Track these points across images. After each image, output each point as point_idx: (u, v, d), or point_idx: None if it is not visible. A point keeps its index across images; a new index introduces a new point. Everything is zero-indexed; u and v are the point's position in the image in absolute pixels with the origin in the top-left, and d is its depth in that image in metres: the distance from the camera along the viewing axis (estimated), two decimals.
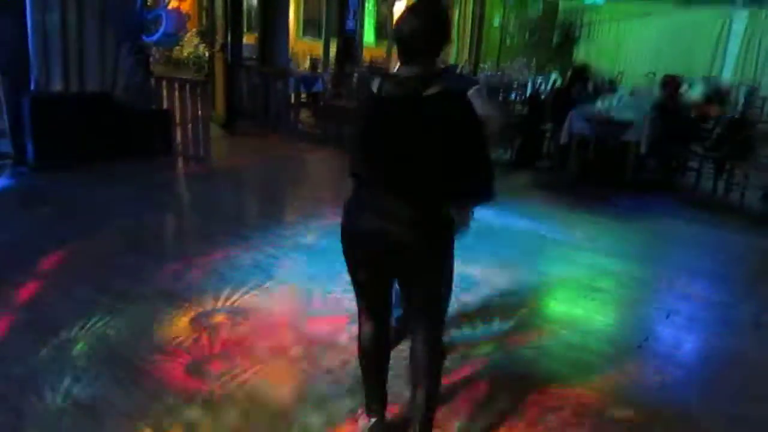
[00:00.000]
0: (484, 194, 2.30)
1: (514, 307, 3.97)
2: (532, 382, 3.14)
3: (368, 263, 2.37)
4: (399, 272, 2.36)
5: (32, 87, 6.15)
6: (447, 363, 3.10)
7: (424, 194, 2.21)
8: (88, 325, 3.37)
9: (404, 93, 2.18)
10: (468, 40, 15.34)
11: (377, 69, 11.43)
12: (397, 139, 2.19)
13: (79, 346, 3.18)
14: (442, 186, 2.20)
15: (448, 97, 2.16)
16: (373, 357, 2.55)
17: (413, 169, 2.18)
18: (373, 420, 2.59)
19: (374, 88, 2.25)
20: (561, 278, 4.55)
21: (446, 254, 2.40)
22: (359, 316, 2.53)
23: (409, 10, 2.22)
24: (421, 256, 2.26)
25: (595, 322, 3.92)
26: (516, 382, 3.12)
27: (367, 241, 2.30)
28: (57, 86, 6.28)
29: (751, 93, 13.06)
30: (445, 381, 3.05)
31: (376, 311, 2.49)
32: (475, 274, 4.38)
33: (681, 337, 3.81)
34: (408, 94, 2.16)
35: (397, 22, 2.21)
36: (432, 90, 2.12)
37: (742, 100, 12.25)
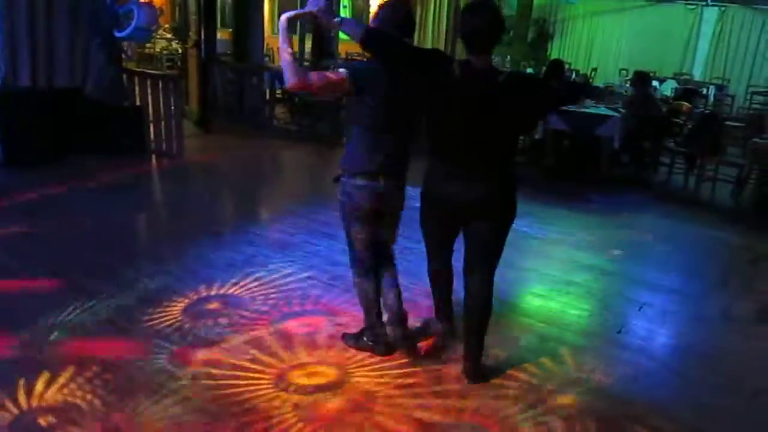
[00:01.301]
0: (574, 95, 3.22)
1: None
2: (505, 375, 3.17)
3: (448, 220, 2.98)
4: (474, 226, 2.90)
5: (0, 83, 6.02)
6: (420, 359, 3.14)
7: (501, 163, 2.81)
8: (58, 324, 3.31)
9: (485, 81, 2.67)
10: (443, 38, 15.35)
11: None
12: (483, 120, 2.68)
13: (49, 344, 3.13)
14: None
15: (518, 76, 3.01)
16: (439, 280, 3.27)
17: (494, 143, 2.75)
18: (444, 324, 3.31)
19: (457, 72, 2.67)
20: (536, 272, 4.58)
21: (513, 211, 2.91)
22: (428, 259, 3.21)
23: (474, 9, 2.66)
24: (495, 214, 2.85)
25: (570, 315, 3.96)
26: (490, 374, 3.13)
27: (450, 202, 2.84)
28: (25, 81, 6.16)
29: (720, 90, 13.29)
30: (418, 376, 3.08)
31: (442, 256, 3.18)
32: None
33: (653, 330, 3.87)
34: (489, 82, 2.67)
35: (466, 18, 2.65)
36: (503, 76, 2.69)
37: (712, 97, 12.46)
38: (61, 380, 2.85)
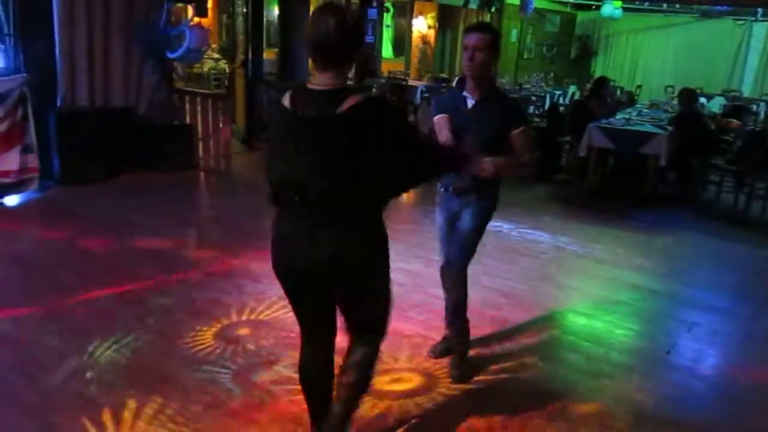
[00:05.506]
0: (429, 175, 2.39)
1: (534, 320, 3.98)
2: (551, 393, 3.15)
3: (306, 287, 2.29)
4: (339, 291, 2.23)
5: (59, 103, 6.30)
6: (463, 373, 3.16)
7: (356, 210, 2.09)
8: (112, 337, 3.43)
9: (319, 111, 2.01)
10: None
11: (396, 81, 11.51)
12: (319, 159, 2.02)
13: (104, 357, 3.25)
14: (381, 193, 2.12)
15: (365, 107, 1.98)
16: (312, 382, 2.42)
17: (342, 186, 2.03)
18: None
19: (286, 103, 2.06)
20: (580, 290, 4.54)
21: (384, 265, 2.24)
22: (301, 340, 2.40)
23: (322, 11, 2.02)
24: (358, 271, 2.15)
25: (616, 334, 3.91)
26: (536, 393, 3.13)
27: (300, 265, 2.22)
28: (82, 102, 6.43)
29: None
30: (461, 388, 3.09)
31: (316, 334, 2.37)
32: (494, 286, 4.40)
33: (703, 351, 3.79)
34: (324, 112, 1.99)
35: (310, 24, 2.02)
36: (348, 104, 1.96)
37: (762, 114, 12.17)
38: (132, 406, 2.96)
